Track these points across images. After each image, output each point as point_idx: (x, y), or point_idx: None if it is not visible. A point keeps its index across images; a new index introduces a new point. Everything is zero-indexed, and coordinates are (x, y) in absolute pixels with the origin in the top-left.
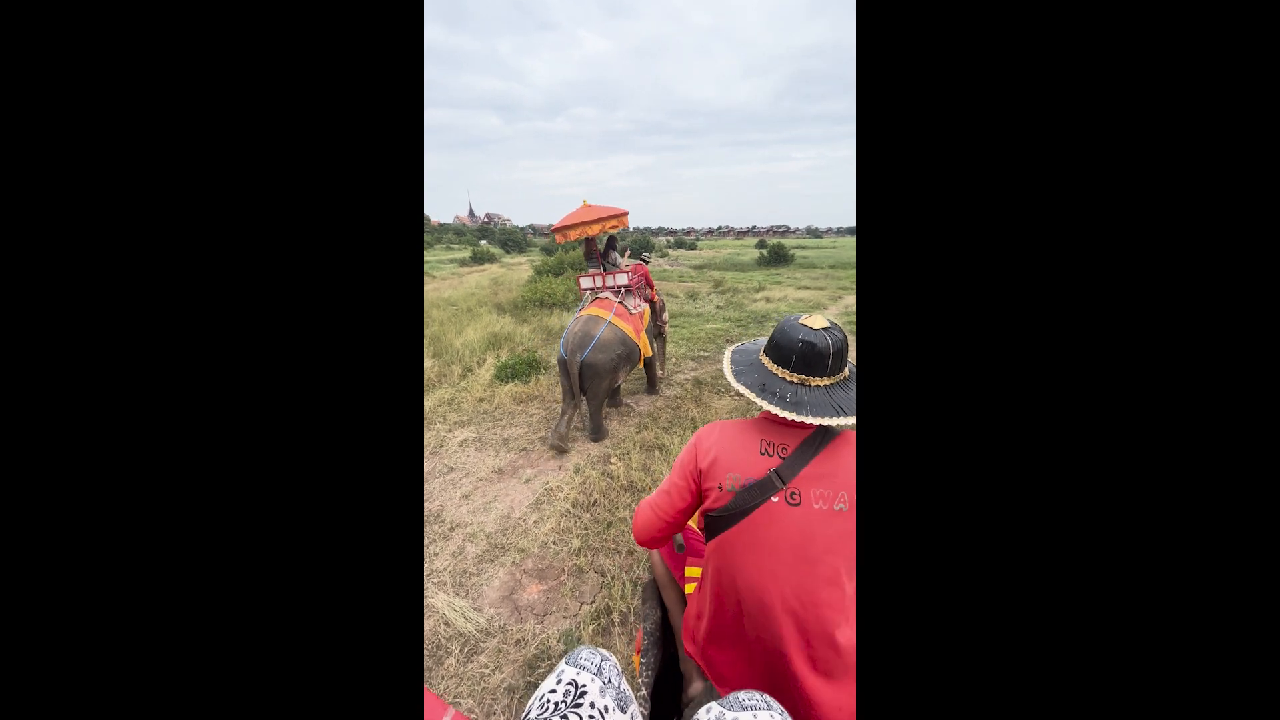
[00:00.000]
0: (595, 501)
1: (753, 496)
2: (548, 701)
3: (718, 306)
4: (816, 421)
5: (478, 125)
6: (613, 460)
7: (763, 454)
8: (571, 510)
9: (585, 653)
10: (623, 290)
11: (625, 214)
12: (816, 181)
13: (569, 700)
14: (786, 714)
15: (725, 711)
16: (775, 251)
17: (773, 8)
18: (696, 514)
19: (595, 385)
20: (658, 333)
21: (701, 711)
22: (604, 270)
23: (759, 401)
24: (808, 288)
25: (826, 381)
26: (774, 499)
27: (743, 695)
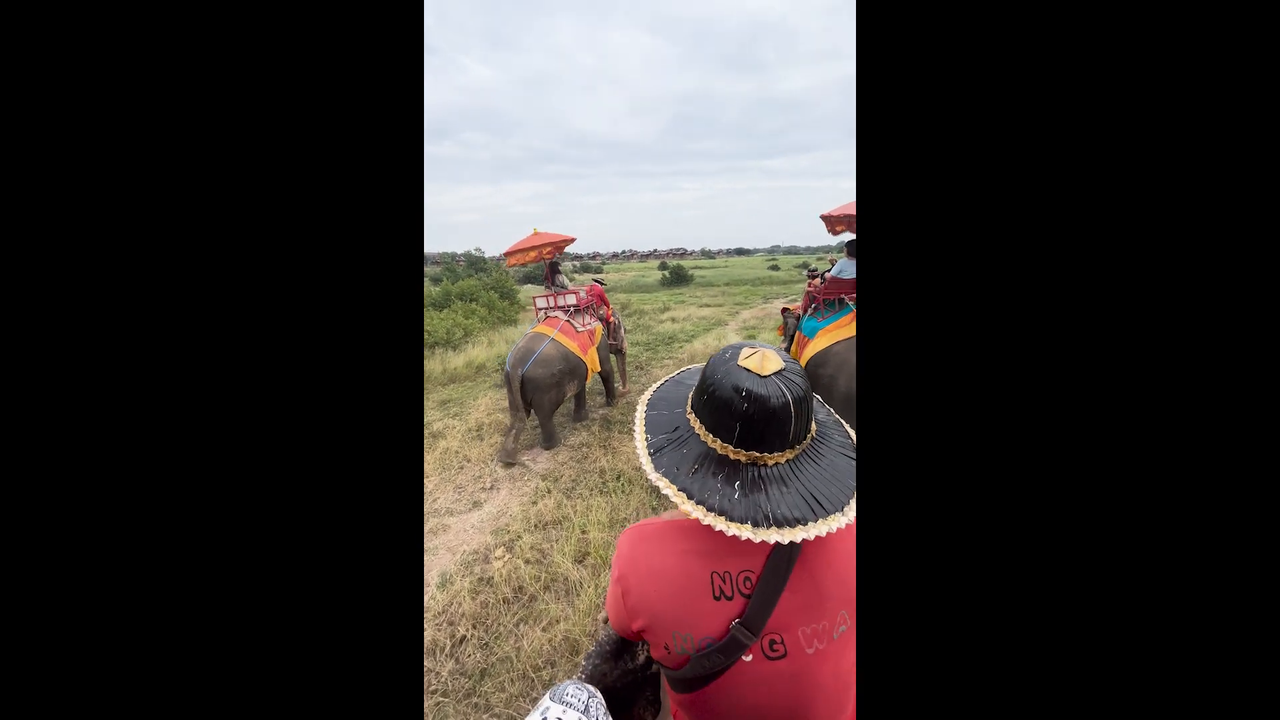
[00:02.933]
0: (463, 638)
1: (715, 662)
2: None
3: (626, 330)
4: (790, 537)
5: None
6: (496, 554)
7: (718, 598)
8: (426, 666)
9: (571, 688)
10: (572, 309)
11: (572, 239)
12: (705, 209)
13: None
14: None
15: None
16: (676, 272)
17: (648, 56)
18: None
19: (540, 398)
20: (616, 350)
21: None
22: (554, 290)
23: (698, 515)
24: (708, 305)
25: (791, 455)
26: (746, 657)
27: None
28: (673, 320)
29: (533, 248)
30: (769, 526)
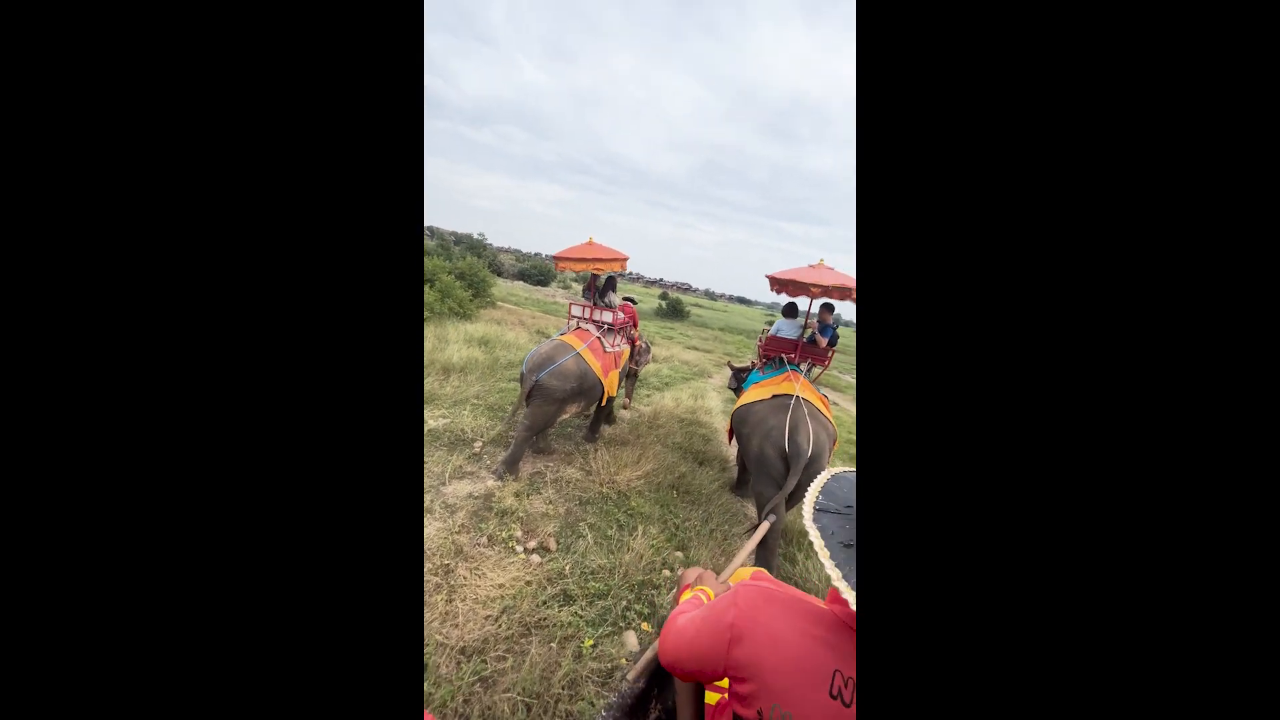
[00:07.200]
0: None
1: None
2: None
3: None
4: None
5: None
6: None
7: (833, 697)
8: None
9: None
10: (605, 327)
11: (625, 258)
12: (718, 253)
13: None
14: None
15: None
16: (674, 305)
17: (696, 104)
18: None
19: (539, 409)
20: (632, 372)
21: None
22: (595, 305)
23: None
24: (696, 348)
25: None
26: None
27: None
28: (653, 359)
29: (585, 259)
30: None
